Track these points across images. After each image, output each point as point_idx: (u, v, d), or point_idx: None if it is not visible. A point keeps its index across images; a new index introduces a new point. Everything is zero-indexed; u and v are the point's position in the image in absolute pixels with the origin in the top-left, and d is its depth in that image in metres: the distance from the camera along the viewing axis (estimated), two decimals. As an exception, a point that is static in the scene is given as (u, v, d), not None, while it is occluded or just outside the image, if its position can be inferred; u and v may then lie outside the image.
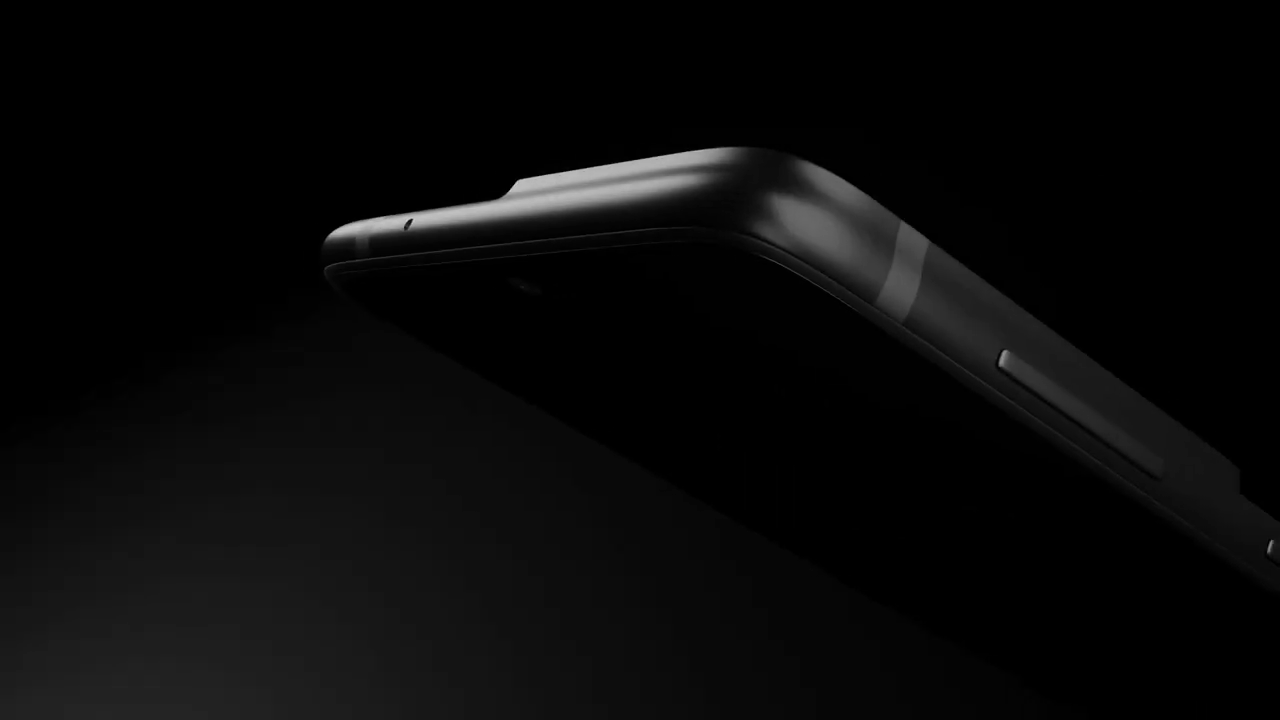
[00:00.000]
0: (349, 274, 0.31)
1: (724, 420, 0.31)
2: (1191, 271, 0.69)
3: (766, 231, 0.23)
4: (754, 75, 0.85)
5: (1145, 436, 0.26)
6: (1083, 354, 0.26)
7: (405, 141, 0.99)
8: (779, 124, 0.82)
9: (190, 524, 0.98)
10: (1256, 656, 0.33)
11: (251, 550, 0.95)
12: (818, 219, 0.23)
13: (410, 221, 0.29)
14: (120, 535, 1.01)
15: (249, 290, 1.02)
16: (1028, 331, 0.25)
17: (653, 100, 0.87)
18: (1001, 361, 0.25)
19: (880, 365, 0.25)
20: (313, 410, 0.98)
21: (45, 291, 1.13)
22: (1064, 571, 0.32)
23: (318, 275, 0.32)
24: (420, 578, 0.88)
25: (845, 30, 0.81)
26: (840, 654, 0.71)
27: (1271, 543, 0.29)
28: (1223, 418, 0.68)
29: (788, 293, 0.23)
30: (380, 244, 0.30)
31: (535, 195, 0.27)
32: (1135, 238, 0.72)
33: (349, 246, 0.30)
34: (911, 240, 0.24)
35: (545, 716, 0.80)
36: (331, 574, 0.92)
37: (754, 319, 0.26)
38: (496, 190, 0.28)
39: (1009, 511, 0.30)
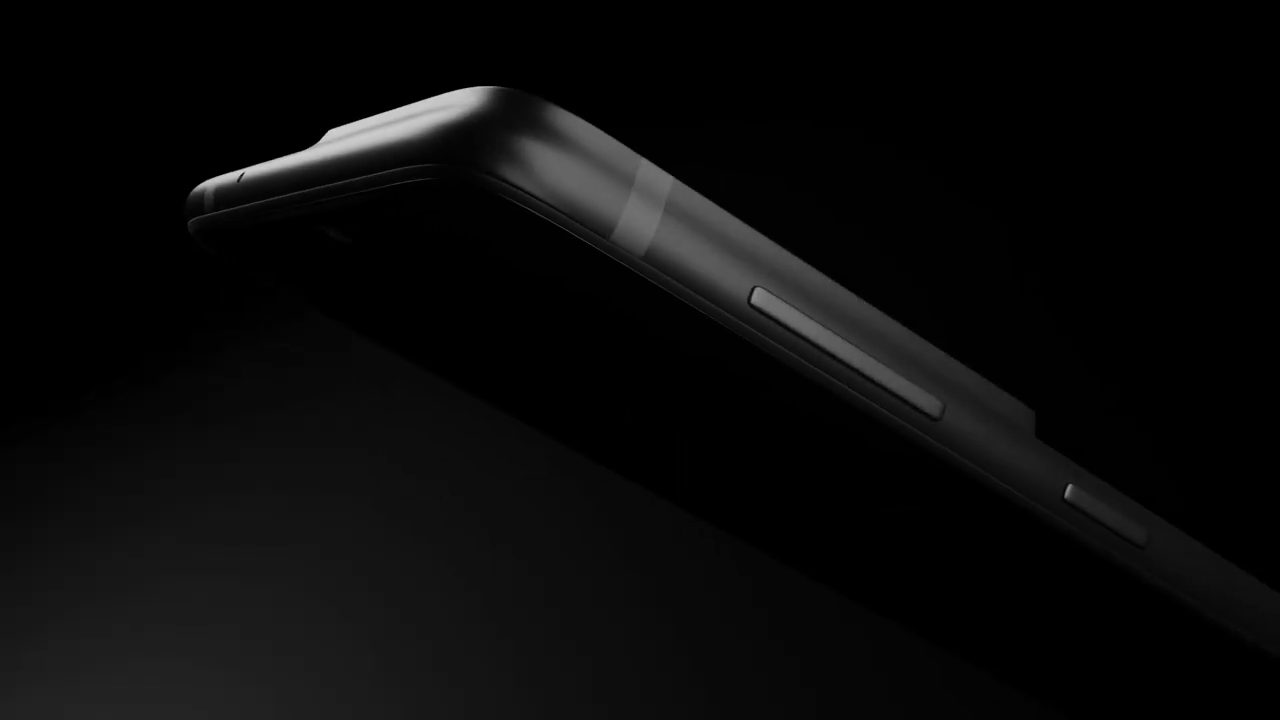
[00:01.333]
0: (200, 227, 0.31)
1: (533, 363, 0.32)
2: (1192, 266, 0.69)
3: (498, 166, 0.23)
4: (753, 73, 0.84)
5: (920, 377, 0.26)
6: (857, 297, 0.26)
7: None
8: (778, 119, 0.82)
9: (190, 524, 0.98)
10: (1071, 605, 0.32)
11: (252, 550, 0.95)
12: (548, 155, 0.23)
13: (243, 175, 0.30)
14: (120, 535, 1.01)
15: (249, 290, 1.02)
16: (787, 270, 0.26)
17: (649, 96, 0.87)
18: (754, 298, 0.25)
19: (634, 303, 0.25)
20: (313, 410, 0.98)
21: (45, 291, 1.13)
22: (891, 528, 0.32)
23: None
24: (420, 577, 0.88)
25: (846, 29, 0.81)
26: (839, 654, 0.71)
27: (1069, 486, 0.28)
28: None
29: (531, 229, 0.24)
30: (221, 197, 0.30)
31: (331, 143, 0.27)
32: (1128, 235, 0.72)
33: (200, 201, 0.31)
34: (653, 177, 0.25)
35: (545, 716, 0.80)
36: (331, 574, 0.91)
37: (518, 259, 0.26)
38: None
39: (806, 461, 0.30)
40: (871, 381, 0.26)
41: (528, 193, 0.23)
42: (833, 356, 0.25)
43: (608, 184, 0.24)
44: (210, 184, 0.31)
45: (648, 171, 0.25)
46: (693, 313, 0.25)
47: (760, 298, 0.25)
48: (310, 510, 0.95)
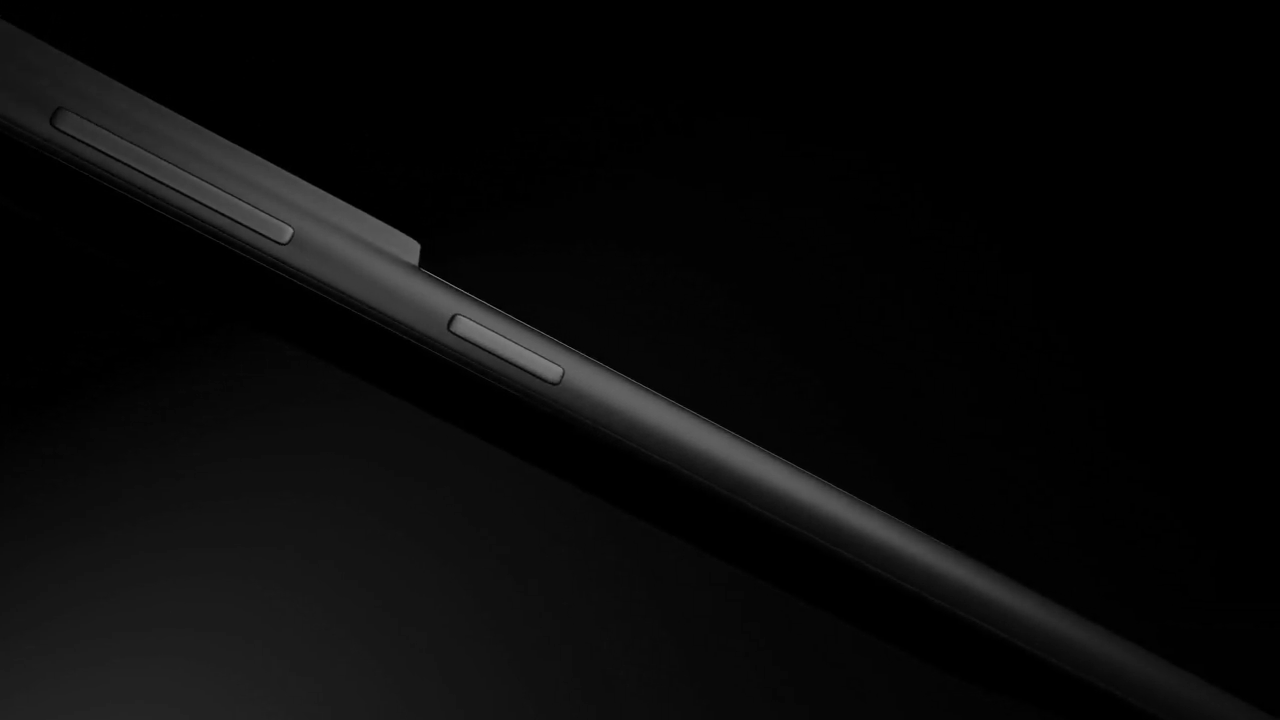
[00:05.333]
0: None
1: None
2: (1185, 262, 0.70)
3: None
4: (753, 67, 0.84)
5: (264, 201, 0.26)
6: (202, 128, 0.26)
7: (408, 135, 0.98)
8: (771, 111, 0.82)
9: (187, 525, 0.98)
10: (508, 446, 0.31)
11: (250, 551, 0.95)
12: None
13: None
14: (117, 536, 1.00)
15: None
16: (101, 96, 0.25)
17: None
18: (59, 121, 0.25)
19: None
20: (312, 412, 0.98)
21: (42, 291, 1.13)
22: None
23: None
24: (416, 580, 0.88)
25: (844, 29, 0.81)
26: (839, 661, 0.71)
27: (458, 318, 0.28)
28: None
29: None
30: None
31: None
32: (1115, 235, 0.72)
33: None
34: None
35: (539, 715, 0.80)
36: (331, 575, 0.91)
37: None
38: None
39: (193, 283, 0.29)
40: (202, 204, 0.25)
41: None
42: (155, 180, 0.25)
43: None
44: None
45: None
46: None
47: (68, 121, 0.25)
48: (308, 511, 0.94)
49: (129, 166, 0.26)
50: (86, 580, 1.01)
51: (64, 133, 0.25)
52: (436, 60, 0.98)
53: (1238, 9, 0.72)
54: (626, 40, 0.87)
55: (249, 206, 0.27)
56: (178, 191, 0.27)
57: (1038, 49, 0.76)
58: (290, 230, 0.27)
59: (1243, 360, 0.70)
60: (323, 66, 1.04)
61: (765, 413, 0.63)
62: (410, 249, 0.29)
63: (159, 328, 1.08)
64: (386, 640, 0.88)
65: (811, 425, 0.66)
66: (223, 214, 0.27)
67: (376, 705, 0.86)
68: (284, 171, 0.27)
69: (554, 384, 0.30)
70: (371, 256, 0.28)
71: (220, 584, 0.97)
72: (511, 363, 0.30)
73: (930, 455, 0.65)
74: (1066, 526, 0.65)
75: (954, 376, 0.70)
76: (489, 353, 0.30)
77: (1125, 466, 0.68)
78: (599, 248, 0.69)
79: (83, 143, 0.26)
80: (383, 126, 0.81)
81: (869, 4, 0.81)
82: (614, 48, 0.86)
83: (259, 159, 0.27)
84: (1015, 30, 0.77)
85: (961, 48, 0.78)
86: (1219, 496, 0.68)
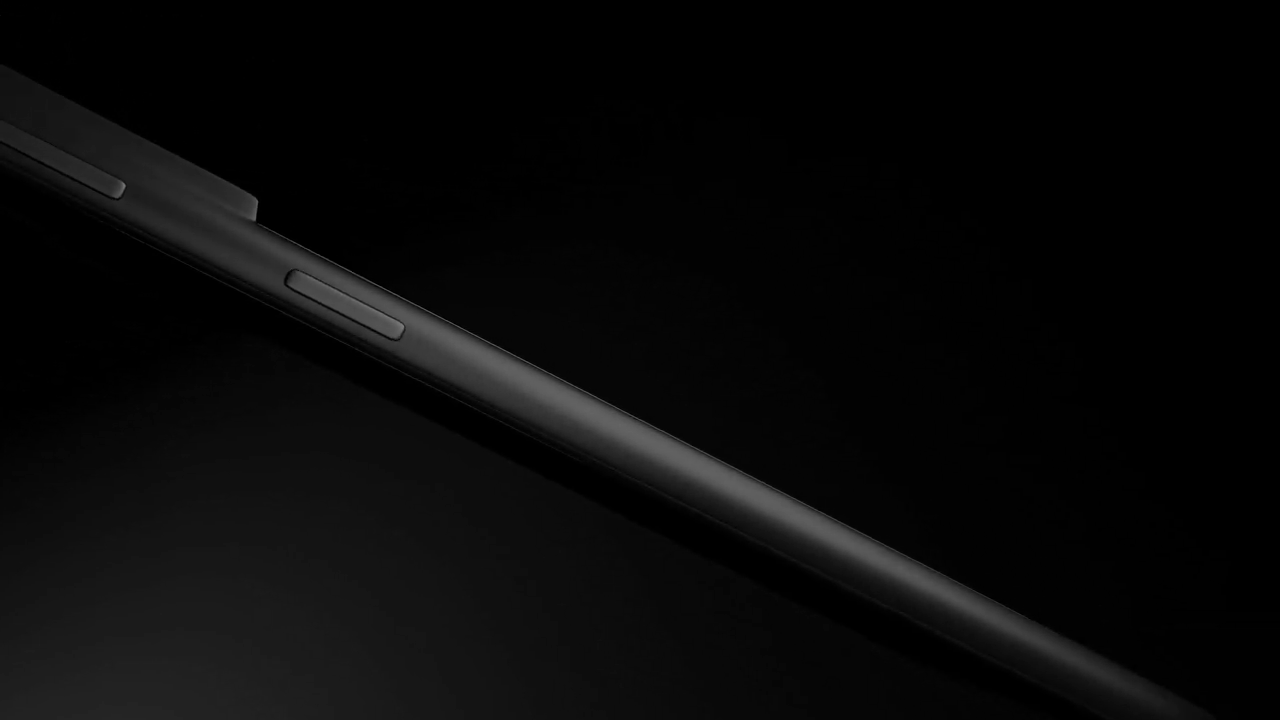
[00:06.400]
0: None
1: None
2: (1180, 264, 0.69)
3: None
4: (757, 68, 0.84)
5: (96, 157, 0.26)
6: (39, 85, 0.26)
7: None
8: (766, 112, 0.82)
9: (184, 526, 0.98)
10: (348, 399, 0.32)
11: (243, 550, 0.94)
12: None
13: None
14: (113, 537, 1.00)
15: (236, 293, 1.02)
16: None
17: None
18: None
19: None
20: (303, 412, 0.98)
21: (38, 290, 1.12)
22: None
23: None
24: (413, 580, 0.87)
25: (841, 30, 0.81)
26: (840, 663, 0.71)
27: (293, 271, 0.28)
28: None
29: None
30: None
31: None
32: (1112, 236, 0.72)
33: None
34: None
35: (538, 716, 0.79)
36: (326, 575, 0.91)
37: None
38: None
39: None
40: (30, 157, 0.26)
41: None
42: None
43: None
44: None
45: None
46: None
47: None
48: (308, 514, 0.94)
49: None
50: (78, 582, 1.01)
51: None
52: (429, 61, 0.98)
53: (1238, 9, 0.72)
54: (625, 41, 0.87)
55: (79, 160, 0.27)
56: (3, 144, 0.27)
57: (1039, 52, 0.76)
58: (123, 185, 0.28)
59: (1245, 363, 0.70)
60: (320, 66, 1.04)
61: (760, 416, 0.63)
62: (248, 204, 0.29)
63: (147, 337, 1.08)
64: (383, 640, 0.88)
65: (807, 432, 0.66)
66: (52, 168, 0.27)
67: (374, 705, 0.85)
68: (121, 128, 0.28)
69: (395, 340, 0.30)
70: (208, 210, 0.29)
71: (212, 584, 0.97)
72: (350, 318, 0.30)
73: (925, 459, 0.66)
74: (1059, 531, 0.65)
75: (949, 381, 0.70)
76: (328, 308, 0.30)
77: (1121, 475, 0.68)
78: (592, 250, 0.69)
79: None
80: (378, 129, 0.81)
81: (870, 5, 0.81)
82: (613, 48, 0.86)
83: (95, 115, 0.28)
84: (1017, 32, 0.77)
85: (964, 50, 0.78)
86: (1221, 503, 0.67)
